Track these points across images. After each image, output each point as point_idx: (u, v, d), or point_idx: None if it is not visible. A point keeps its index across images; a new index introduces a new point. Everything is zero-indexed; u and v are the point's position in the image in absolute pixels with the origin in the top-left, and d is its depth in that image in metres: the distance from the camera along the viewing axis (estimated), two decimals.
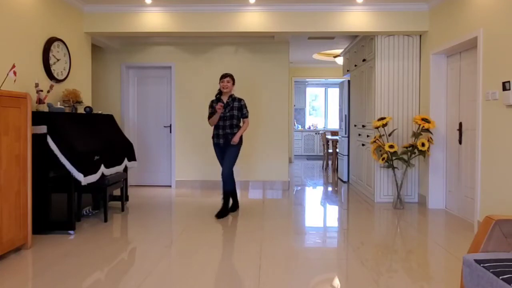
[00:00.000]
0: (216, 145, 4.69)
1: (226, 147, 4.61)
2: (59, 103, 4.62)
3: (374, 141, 5.23)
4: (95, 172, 4.07)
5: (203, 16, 5.28)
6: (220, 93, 4.67)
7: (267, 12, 5.24)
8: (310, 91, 12.59)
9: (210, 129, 6.49)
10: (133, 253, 3.35)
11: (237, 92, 6.47)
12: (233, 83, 4.65)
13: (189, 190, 6.36)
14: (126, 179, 5.01)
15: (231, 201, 4.85)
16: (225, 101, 4.62)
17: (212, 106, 4.67)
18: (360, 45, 6.24)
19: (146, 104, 6.69)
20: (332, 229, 4.16)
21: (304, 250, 3.47)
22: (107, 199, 4.37)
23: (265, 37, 6.36)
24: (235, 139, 4.51)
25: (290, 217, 4.69)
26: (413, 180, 5.50)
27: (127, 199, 5.29)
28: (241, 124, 4.71)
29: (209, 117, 4.68)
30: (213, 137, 4.70)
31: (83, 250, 3.43)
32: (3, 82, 3.49)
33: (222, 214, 4.59)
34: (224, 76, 4.62)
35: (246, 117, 4.67)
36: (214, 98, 4.75)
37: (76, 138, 3.99)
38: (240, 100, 4.65)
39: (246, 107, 4.68)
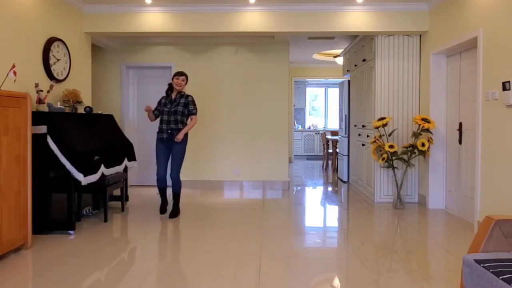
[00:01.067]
0: (159, 140, 4.60)
1: (171, 145, 4.57)
2: (59, 103, 4.62)
3: (374, 141, 5.23)
4: (95, 172, 4.07)
5: (203, 16, 5.28)
6: (170, 88, 4.67)
7: (267, 12, 5.24)
8: (310, 91, 12.59)
9: (211, 129, 6.50)
10: (133, 253, 3.35)
11: (237, 92, 6.49)
12: (186, 83, 4.67)
13: (189, 190, 6.35)
14: (126, 179, 5.01)
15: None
16: (173, 98, 4.61)
17: (160, 103, 4.67)
18: (360, 45, 6.24)
19: (146, 104, 6.67)
20: (332, 229, 4.16)
21: (304, 250, 3.47)
22: (107, 199, 4.37)
23: (265, 37, 6.36)
24: (179, 136, 4.46)
25: (290, 217, 4.69)
26: (413, 180, 5.50)
27: (127, 199, 5.29)
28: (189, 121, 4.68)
29: (153, 112, 4.68)
30: (157, 133, 4.63)
31: (83, 250, 3.43)
32: (3, 82, 3.48)
33: (164, 209, 4.79)
34: (180, 74, 4.60)
35: (194, 114, 4.59)
36: (164, 95, 4.73)
37: (76, 138, 3.99)
38: (187, 96, 4.61)
39: (194, 104, 4.60)
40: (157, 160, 4.63)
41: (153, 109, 4.71)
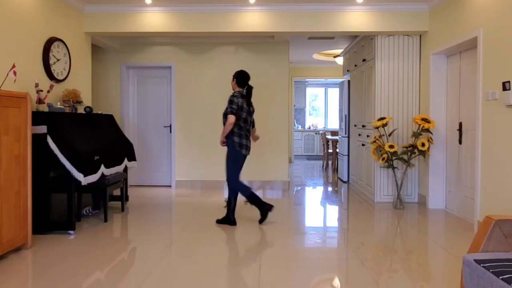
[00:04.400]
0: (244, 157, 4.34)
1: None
2: (59, 103, 4.62)
3: (374, 141, 5.23)
4: (95, 172, 4.07)
5: (203, 16, 5.28)
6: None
7: (267, 12, 5.24)
8: (310, 91, 12.59)
9: (211, 129, 6.49)
10: (133, 253, 3.35)
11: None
12: (234, 81, 4.20)
13: (189, 190, 6.36)
14: (126, 179, 5.01)
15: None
16: None
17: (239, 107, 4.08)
18: (360, 45, 6.24)
19: (146, 104, 6.69)
20: (332, 229, 4.16)
21: (304, 250, 3.47)
22: (107, 199, 4.37)
23: (265, 37, 6.36)
24: (221, 139, 4.24)
25: (290, 217, 4.68)
26: (413, 180, 5.50)
27: (127, 199, 5.29)
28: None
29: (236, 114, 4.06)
30: (242, 147, 4.24)
31: (83, 250, 3.43)
32: (3, 82, 3.49)
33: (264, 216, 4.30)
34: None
35: (228, 113, 4.04)
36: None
37: (76, 138, 3.99)
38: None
39: (229, 102, 4.05)
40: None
41: None
